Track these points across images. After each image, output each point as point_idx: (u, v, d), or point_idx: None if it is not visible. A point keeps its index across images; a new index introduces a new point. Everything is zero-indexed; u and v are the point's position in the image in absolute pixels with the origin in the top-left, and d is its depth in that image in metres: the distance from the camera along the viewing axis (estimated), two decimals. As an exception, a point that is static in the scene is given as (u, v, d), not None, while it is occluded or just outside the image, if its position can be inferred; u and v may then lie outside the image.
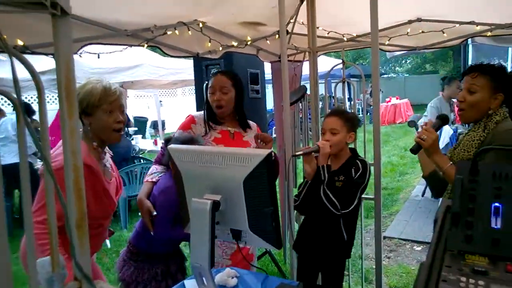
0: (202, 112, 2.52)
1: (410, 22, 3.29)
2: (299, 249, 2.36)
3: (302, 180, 2.34)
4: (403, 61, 27.94)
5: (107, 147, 2.07)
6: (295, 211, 2.73)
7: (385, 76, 25.73)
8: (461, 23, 3.12)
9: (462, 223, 1.02)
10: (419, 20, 3.24)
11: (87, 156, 1.73)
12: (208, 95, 2.42)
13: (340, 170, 2.14)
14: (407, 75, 27.33)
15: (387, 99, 16.55)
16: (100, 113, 1.78)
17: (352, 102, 8.69)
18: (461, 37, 3.44)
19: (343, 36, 3.42)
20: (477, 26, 3.15)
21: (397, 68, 28.97)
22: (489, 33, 3.23)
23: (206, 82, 2.48)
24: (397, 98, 16.76)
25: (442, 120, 1.99)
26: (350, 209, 2.08)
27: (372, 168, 2.50)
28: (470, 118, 1.91)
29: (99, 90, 1.78)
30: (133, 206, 5.53)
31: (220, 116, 2.45)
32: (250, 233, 1.35)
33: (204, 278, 1.35)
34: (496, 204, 1.03)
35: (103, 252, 4.23)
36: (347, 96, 3.12)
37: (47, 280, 0.93)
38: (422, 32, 3.28)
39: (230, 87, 2.39)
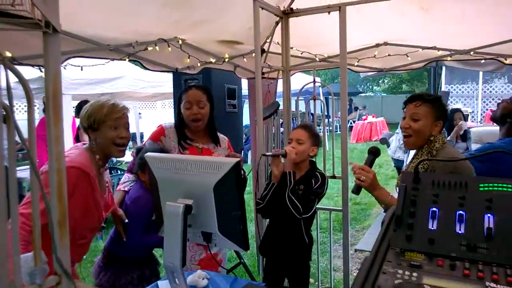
0: (172, 123, 2.56)
1: (377, 45, 3.51)
2: (265, 252, 2.48)
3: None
4: (381, 81, 28.71)
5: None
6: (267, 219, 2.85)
7: (363, 95, 26.38)
8: (423, 47, 3.36)
9: (404, 224, 1.17)
10: (385, 44, 3.46)
11: (88, 165, 1.83)
12: (183, 109, 2.46)
13: (301, 180, 2.28)
14: (385, 94, 28.05)
15: (364, 117, 16.98)
16: (105, 129, 1.89)
17: (329, 119, 8.96)
18: (424, 61, 3.68)
19: (315, 56, 3.61)
20: (438, 51, 3.39)
21: (374, 87, 29.72)
22: (449, 58, 3.48)
23: (179, 96, 2.52)
24: (373, 116, 17.21)
25: (373, 154, 2.11)
26: (309, 214, 2.24)
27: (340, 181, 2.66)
28: (415, 144, 2.05)
29: (106, 107, 1.89)
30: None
31: (195, 129, 2.50)
32: (220, 236, 1.47)
33: (176, 277, 1.45)
34: (434, 208, 1.18)
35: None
36: (325, 113, 3.29)
37: (30, 274, 1.01)
38: (389, 55, 3.50)
39: (206, 101, 2.47)
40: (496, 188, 1.18)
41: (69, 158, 1.79)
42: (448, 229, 1.12)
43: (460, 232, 1.10)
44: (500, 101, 2.86)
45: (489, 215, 1.11)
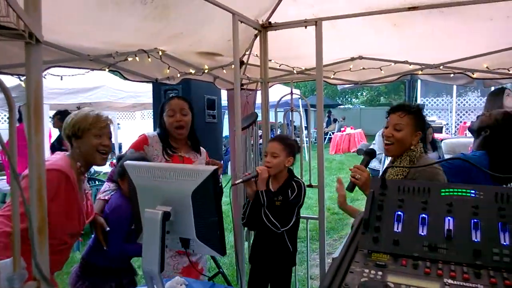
0: (155, 133, 2.61)
1: (352, 59, 3.64)
2: (253, 261, 2.55)
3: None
4: (359, 93, 29.25)
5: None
6: (245, 229, 2.90)
7: (342, 107, 26.80)
8: (396, 61, 3.50)
9: (371, 227, 1.24)
10: (360, 57, 3.60)
11: (68, 168, 1.88)
12: (166, 117, 2.52)
13: (279, 190, 2.38)
14: (363, 106, 28.56)
15: (342, 129, 17.26)
16: (89, 136, 1.96)
17: (308, 130, 9.08)
18: (397, 74, 3.82)
19: (293, 69, 3.70)
20: (410, 65, 3.54)
21: (353, 99, 30.25)
22: (420, 72, 3.63)
23: (161, 107, 2.60)
24: (351, 128, 17.50)
25: (369, 155, 2.24)
26: (289, 226, 2.32)
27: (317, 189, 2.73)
28: (396, 152, 2.15)
29: (91, 117, 1.98)
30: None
31: (178, 137, 2.55)
32: (197, 241, 1.51)
33: (154, 283, 1.48)
34: (399, 212, 1.25)
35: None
36: (304, 124, 3.36)
37: (8, 279, 1.02)
38: (363, 68, 3.63)
39: (188, 109, 2.54)
40: (456, 193, 1.27)
41: (50, 161, 1.87)
42: (411, 231, 1.19)
43: (422, 234, 1.18)
44: (480, 114, 3.00)
45: (449, 218, 1.19)
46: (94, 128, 1.98)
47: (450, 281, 1.02)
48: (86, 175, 2.17)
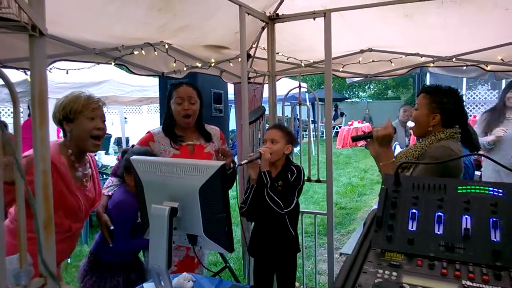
0: (160, 129, 2.53)
1: (362, 51, 3.58)
2: (254, 253, 2.52)
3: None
4: (367, 87, 29.02)
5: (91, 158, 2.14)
6: (253, 223, 2.87)
7: (349, 100, 26.62)
8: (407, 54, 3.44)
9: (385, 225, 1.20)
10: (370, 50, 3.53)
11: (55, 155, 1.78)
12: (173, 105, 2.44)
13: (278, 176, 2.36)
14: (370, 100, 28.35)
15: (349, 123, 17.16)
16: (82, 119, 1.87)
17: (315, 124, 9.02)
18: (408, 67, 3.75)
19: (301, 62, 3.65)
20: (421, 57, 3.47)
21: (360, 93, 30.03)
22: (431, 64, 3.56)
23: (169, 93, 2.51)
24: (359, 122, 17.40)
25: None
26: (291, 207, 2.29)
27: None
28: (417, 132, 2.15)
29: (83, 98, 1.89)
30: (94, 221, 5.47)
31: (185, 126, 2.48)
32: (205, 238, 1.48)
33: (161, 279, 1.46)
34: (413, 210, 1.21)
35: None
36: (311, 118, 3.31)
37: (15, 276, 1.00)
38: (373, 61, 3.57)
39: (196, 98, 2.46)
40: (473, 191, 1.22)
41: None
42: (427, 230, 1.15)
43: (438, 233, 1.14)
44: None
45: (466, 216, 1.15)
46: (87, 110, 1.88)
47: (468, 282, 0.97)
48: (87, 159, 2.08)
